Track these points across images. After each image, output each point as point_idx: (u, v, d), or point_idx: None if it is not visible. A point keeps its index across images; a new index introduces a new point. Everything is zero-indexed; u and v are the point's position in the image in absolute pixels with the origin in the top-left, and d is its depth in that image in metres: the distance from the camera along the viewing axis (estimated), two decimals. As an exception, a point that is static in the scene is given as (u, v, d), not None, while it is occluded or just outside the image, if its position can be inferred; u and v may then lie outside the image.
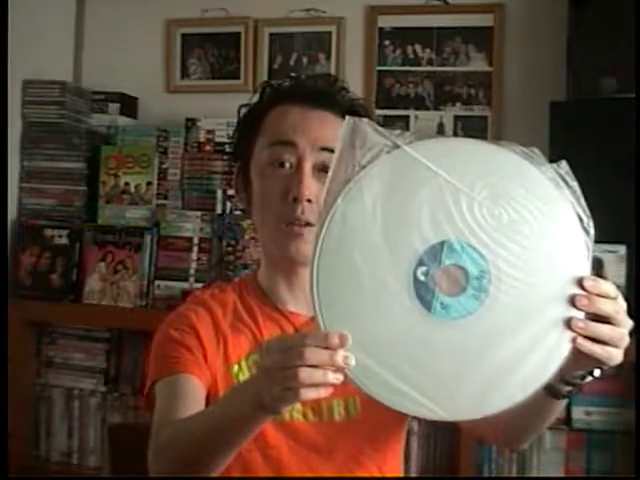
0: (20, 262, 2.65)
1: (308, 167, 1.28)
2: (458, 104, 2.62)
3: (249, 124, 1.37)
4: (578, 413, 2.23)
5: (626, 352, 0.95)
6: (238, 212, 2.54)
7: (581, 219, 0.93)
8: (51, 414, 2.64)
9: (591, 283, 0.92)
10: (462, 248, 0.90)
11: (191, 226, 2.58)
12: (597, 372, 1.02)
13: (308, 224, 1.27)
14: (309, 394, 0.89)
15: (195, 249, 2.57)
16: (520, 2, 2.57)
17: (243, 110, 1.41)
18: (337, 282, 0.91)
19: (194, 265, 2.56)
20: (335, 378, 0.89)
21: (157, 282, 2.56)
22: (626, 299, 0.95)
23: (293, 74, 1.44)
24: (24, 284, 2.64)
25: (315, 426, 1.29)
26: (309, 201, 1.27)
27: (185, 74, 2.85)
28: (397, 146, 0.92)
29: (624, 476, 2.18)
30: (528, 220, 0.92)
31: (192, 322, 1.31)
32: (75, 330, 2.64)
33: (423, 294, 0.89)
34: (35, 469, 2.60)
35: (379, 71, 2.67)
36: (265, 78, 2.74)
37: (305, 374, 0.88)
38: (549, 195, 0.92)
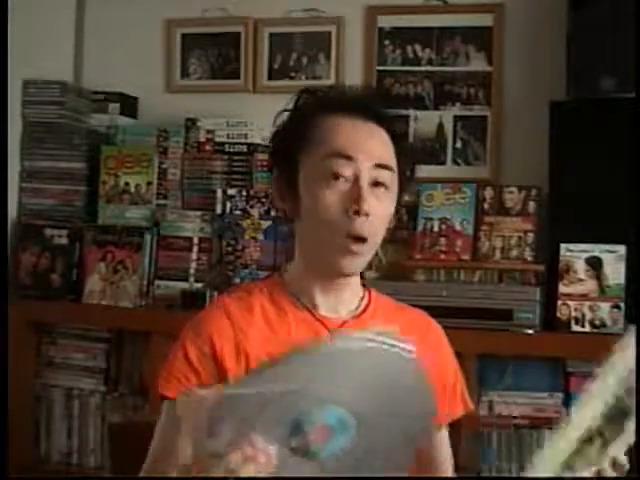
0: (20, 262, 2.65)
1: (365, 181, 1.31)
2: (458, 104, 2.62)
3: (294, 133, 1.36)
4: (578, 413, 2.23)
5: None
6: (238, 212, 2.54)
7: None
8: (51, 414, 2.64)
9: None
10: None
11: (191, 226, 2.58)
12: None
13: (363, 240, 1.30)
14: None
15: (195, 249, 2.57)
16: (520, 2, 2.56)
17: (281, 117, 1.39)
18: None
19: (194, 265, 2.56)
20: None
21: (157, 282, 2.57)
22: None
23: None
24: (24, 284, 2.64)
25: None
26: (366, 215, 1.30)
27: (185, 74, 2.85)
28: None
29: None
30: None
31: (212, 339, 1.33)
32: (75, 330, 2.64)
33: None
34: (35, 469, 2.60)
35: (379, 71, 2.67)
36: (265, 78, 2.75)
37: None
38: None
